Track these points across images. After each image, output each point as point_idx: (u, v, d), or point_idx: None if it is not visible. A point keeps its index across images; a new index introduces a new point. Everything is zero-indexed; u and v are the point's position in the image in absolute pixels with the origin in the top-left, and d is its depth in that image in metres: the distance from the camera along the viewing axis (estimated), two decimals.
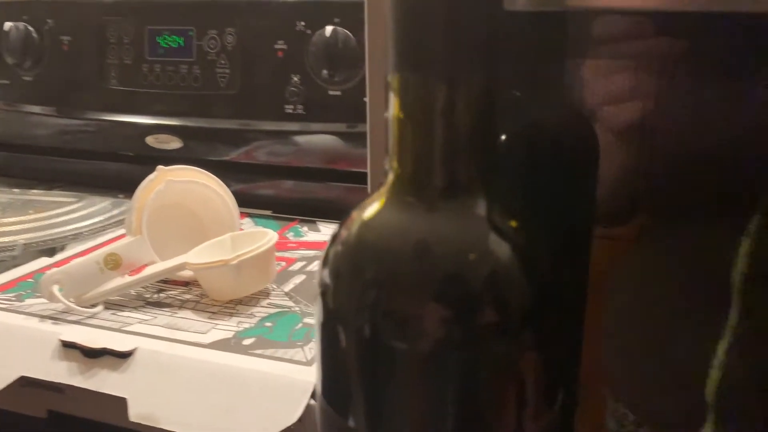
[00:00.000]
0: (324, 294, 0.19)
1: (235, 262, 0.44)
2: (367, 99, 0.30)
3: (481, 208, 0.18)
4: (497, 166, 0.18)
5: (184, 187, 0.50)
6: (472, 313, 0.17)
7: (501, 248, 0.18)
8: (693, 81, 0.28)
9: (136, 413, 0.38)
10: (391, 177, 0.19)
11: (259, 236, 0.47)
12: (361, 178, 0.65)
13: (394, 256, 0.18)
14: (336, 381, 0.18)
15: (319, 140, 0.61)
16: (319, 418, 0.20)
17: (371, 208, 0.19)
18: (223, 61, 0.61)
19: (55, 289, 0.44)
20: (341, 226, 0.20)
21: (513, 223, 0.18)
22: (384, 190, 0.20)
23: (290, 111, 0.60)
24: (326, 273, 0.19)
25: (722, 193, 0.27)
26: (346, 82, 0.57)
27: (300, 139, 0.62)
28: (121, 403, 0.39)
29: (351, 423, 0.18)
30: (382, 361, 0.17)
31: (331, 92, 0.58)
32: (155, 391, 0.39)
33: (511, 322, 0.17)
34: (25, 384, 0.45)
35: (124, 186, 0.63)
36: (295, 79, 0.59)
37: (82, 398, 0.43)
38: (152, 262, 0.47)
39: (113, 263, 0.46)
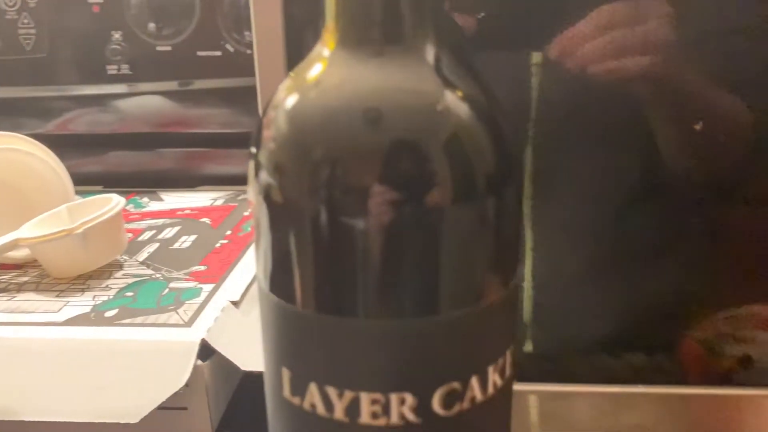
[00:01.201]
0: (267, 189, 0.17)
1: (80, 230, 0.39)
2: (254, 45, 0.27)
3: (431, 56, 0.16)
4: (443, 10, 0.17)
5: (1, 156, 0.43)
6: (433, 177, 0.16)
7: (459, 106, 0.17)
8: None
9: None
10: (323, 50, 0.17)
11: (102, 203, 0.42)
12: (199, 141, 0.61)
13: (344, 127, 0.16)
14: (288, 272, 0.16)
15: (149, 102, 0.56)
16: (266, 314, 0.17)
17: (305, 82, 0.17)
18: (25, 20, 0.54)
19: None
20: (269, 108, 0.18)
21: (466, 76, 0.17)
22: (315, 67, 0.18)
23: (113, 72, 0.55)
24: (267, 162, 0.17)
25: None
26: (176, 36, 0.53)
27: (126, 103, 0.56)
28: None
29: (304, 310, 0.16)
30: (341, 242, 0.16)
31: (159, 48, 0.54)
32: (7, 379, 0.34)
33: (475, 188, 0.16)
34: None
35: None
36: (117, 36, 0.53)
37: None
38: None
39: None
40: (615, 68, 0.26)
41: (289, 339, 0.17)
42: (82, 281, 0.41)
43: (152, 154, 0.59)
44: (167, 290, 0.39)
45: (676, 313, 0.29)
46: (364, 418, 0.16)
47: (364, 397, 0.16)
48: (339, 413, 0.17)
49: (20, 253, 0.43)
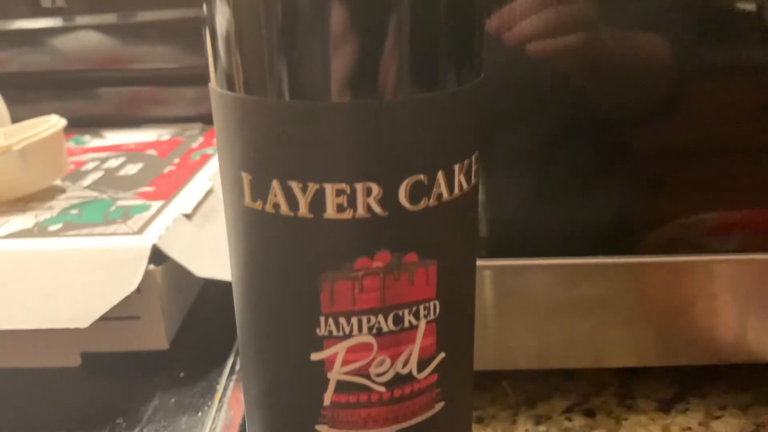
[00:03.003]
0: None
1: (18, 147, 0.37)
2: None
3: None
4: None
5: None
6: None
7: None
8: None
9: None
10: None
11: (40, 124, 0.40)
12: (141, 79, 0.59)
13: None
14: (245, 57, 0.15)
15: (86, 38, 0.54)
16: (222, 117, 0.17)
17: None
18: None
19: None
20: None
21: None
22: None
23: (47, 5, 0.52)
24: None
25: None
26: None
27: (61, 39, 0.54)
28: None
29: (264, 98, 0.16)
30: (299, 11, 0.15)
31: None
32: None
33: None
34: None
35: None
36: None
37: None
38: None
39: None
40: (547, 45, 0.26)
41: (249, 137, 0.16)
42: (23, 204, 0.39)
43: (91, 95, 0.57)
44: (114, 207, 0.38)
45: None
46: (329, 211, 0.16)
47: (329, 189, 0.16)
48: (303, 209, 0.16)
49: None
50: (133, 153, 0.49)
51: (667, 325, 0.30)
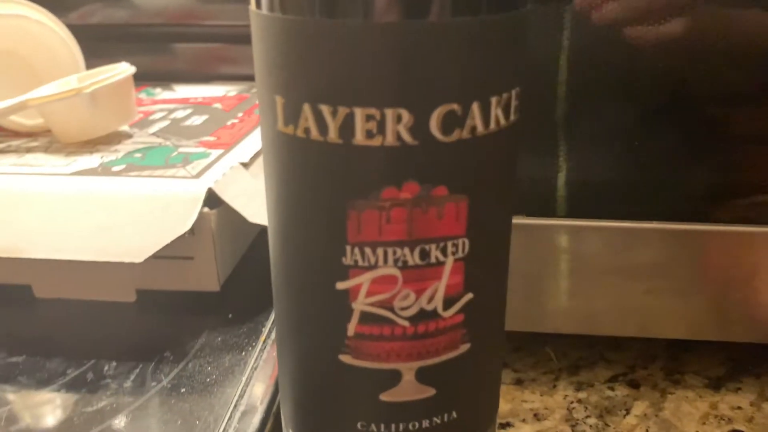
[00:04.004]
0: None
1: (89, 90, 0.39)
2: None
3: None
4: None
5: (5, 23, 0.42)
6: None
7: None
8: None
9: None
10: None
11: (111, 70, 0.42)
12: (214, 36, 0.60)
13: None
14: None
15: None
16: (259, 39, 0.17)
17: None
18: None
19: None
20: None
21: None
22: None
23: None
24: None
25: None
26: None
27: None
28: None
29: (297, 17, 0.15)
30: None
31: None
32: (13, 222, 0.33)
33: None
34: None
35: None
36: None
37: None
38: None
39: None
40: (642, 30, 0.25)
41: (283, 58, 0.16)
42: (90, 145, 0.40)
43: (165, 50, 0.58)
44: (176, 153, 0.39)
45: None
46: (358, 137, 0.16)
47: (359, 113, 0.15)
48: (333, 134, 0.16)
49: (31, 121, 0.42)
50: (199, 106, 0.50)
51: (722, 298, 0.29)
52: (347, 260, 0.17)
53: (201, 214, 0.33)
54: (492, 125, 0.17)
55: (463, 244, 0.17)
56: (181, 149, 0.40)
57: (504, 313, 0.20)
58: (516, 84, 0.17)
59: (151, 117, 0.47)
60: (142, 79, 0.57)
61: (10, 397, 0.30)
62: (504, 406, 0.29)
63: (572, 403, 0.30)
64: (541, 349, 0.33)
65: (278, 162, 0.17)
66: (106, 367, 0.32)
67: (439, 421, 0.19)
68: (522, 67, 0.17)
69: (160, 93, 0.54)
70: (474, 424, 0.20)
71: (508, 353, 0.33)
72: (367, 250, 0.17)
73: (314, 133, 0.16)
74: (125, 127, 0.43)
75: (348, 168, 0.16)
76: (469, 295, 0.18)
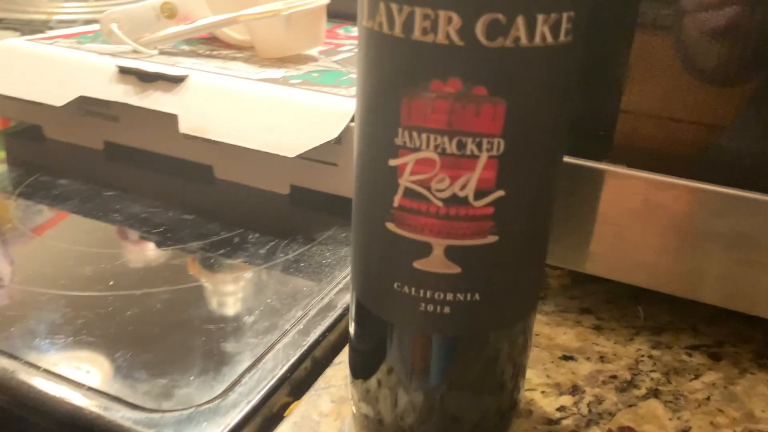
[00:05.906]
0: None
1: (286, 12, 0.45)
2: None
3: None
4: None
5: None
6: None
7: None
8: None
9: (186, 126, 0.40)
10: None
11: (312, 1, 0.48)
12: None
13: None
14: None
15: None
16: None
17: None
18: None
19: (114, 27, 0.46)
20: None
21: None
22: None
23: None
24: None
25: None
26: None
27: None
28: (172, 119, 0.41)
29: None
30: None
31: None
32: (205, 109, 0.41)
33: None
34: (84, 113, 0.47)
35: None
36: None
37: (137, 122, 0.46)
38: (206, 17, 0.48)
39: (169, 11, 0.47)
40: None
41: None
42: (281, 62, 0.47)
43: None
44: (346, 77, 0.44)
45: None
46: (416, 33, 0.19)
47: (418, 12, 0.19)
48: (398, 29, 0.19)
49: (240, 36, 0.50)
50: None
51: None
52: (398, 140, 0.21)
53: (348, 127, 0.38)
54: (537, 40, 0.19)
55: (498, 144, 0.20)
56: (351, 75, 0.45)
57: (544, 220, 0.23)
58: (569, 8, 0.19)
59: (340, 48, 0.53)
60: (345, 17, 0.63)
61: (170, 243, 0.38)
62: (573, 344, 0.31)
63: (643, 356, 0.30)
64: (632, 306, 0.34)
65: (361, 54, 0.21)
66: (250, 236, 0.38)
67: (462, 299, 0.22)
68: None
69: (355, 31, 0.60)
70: (498, 313, 0.23)
71: (596, 303, 0.34)
72: (414, 134, 0.20)
73: (385, 27, 0.20)
74: (315, 53, 0.50)
75: (406, 59, 0.19)
76: (501, 192, 0.21)
